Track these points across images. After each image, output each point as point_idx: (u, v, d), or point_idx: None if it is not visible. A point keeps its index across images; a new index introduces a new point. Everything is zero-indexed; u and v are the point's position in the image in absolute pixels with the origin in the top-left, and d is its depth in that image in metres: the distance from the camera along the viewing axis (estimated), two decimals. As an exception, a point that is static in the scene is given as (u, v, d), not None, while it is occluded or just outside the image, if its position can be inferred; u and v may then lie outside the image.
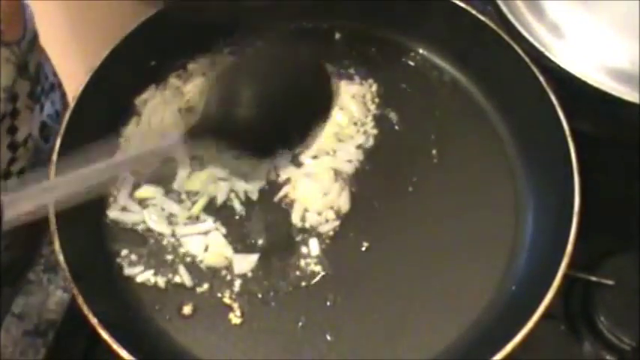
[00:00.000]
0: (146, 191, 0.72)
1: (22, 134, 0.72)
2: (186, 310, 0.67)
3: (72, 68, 0.76)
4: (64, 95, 0.87)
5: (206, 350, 0.65)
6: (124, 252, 0.69)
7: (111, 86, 0.72)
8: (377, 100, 0.78)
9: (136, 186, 0.72)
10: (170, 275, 0.68)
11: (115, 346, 0.60)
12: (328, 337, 0.66)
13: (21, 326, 0.69)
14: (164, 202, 0.71)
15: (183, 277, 0.68)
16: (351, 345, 0.65)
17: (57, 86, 0.83)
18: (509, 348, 0.60)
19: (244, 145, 0.67)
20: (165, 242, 0.70)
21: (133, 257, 0.69)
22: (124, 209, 0.71)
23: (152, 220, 0.70)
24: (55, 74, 0.84)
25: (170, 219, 0.71)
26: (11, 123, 0.71)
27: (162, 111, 0.76)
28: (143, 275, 0.68)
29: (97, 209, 0.71)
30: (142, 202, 0.71)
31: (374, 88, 0.79)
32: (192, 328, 0.66)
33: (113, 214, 0.71)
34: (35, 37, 0.75)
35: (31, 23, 0.74)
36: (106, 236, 0.70)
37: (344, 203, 0.72)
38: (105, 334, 0.60)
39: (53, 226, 0.64)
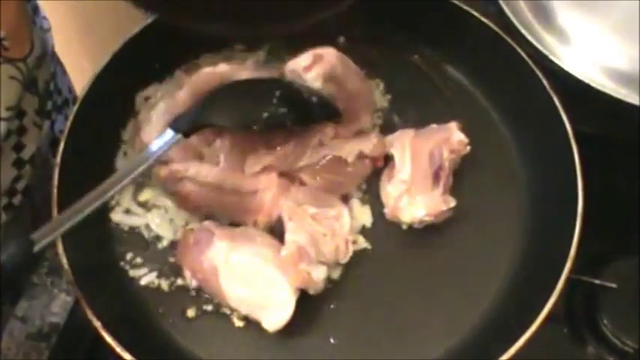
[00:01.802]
0: (149, 194, 0.72)
1: (28, 151, 0.71)
2: (190, 313, 0.67)
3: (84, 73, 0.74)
4: None
5: (209, 353, 0.65)
6: (128, 255, 0.70)
7: (114, 89, 0.72)
8: (380, 100, 0.78)
9: (139, 189, 0.72)
10: (174, 278, 0.68)
11: (119, 349, 0.60)
12: (332, 341, 0.66)
13: (24, 329, 0.69)
14: (167, 205, 0.71)
15: (187, 279, 0.68)
16: (355, 348, 0.65)
17: (71, 102, 0.82)
18: (512, 351, 0.60)
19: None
20: (168, 245, 0.70)
21: (137, 260, 0.69)
22: (127, 212, 0.71)
23: (155, 223, 0.70)
24: (70, 90, 0.82)
25: (173, 222, 0.71)
26: (17, 140, 0.70)
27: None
28: (147, 278, 0.68)
29: (100, 212, 0.71)
30: (146, 205, 0.72)
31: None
32: (195, 331, 0.66)
33: (117, 217, 0.71)
34: (45, 53, 0.74)
35: (40, 39, 0.73)
36: (110, 239, 0.70)
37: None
38: (108, 337, 0.60)
39: (57, 229, 0.64)
